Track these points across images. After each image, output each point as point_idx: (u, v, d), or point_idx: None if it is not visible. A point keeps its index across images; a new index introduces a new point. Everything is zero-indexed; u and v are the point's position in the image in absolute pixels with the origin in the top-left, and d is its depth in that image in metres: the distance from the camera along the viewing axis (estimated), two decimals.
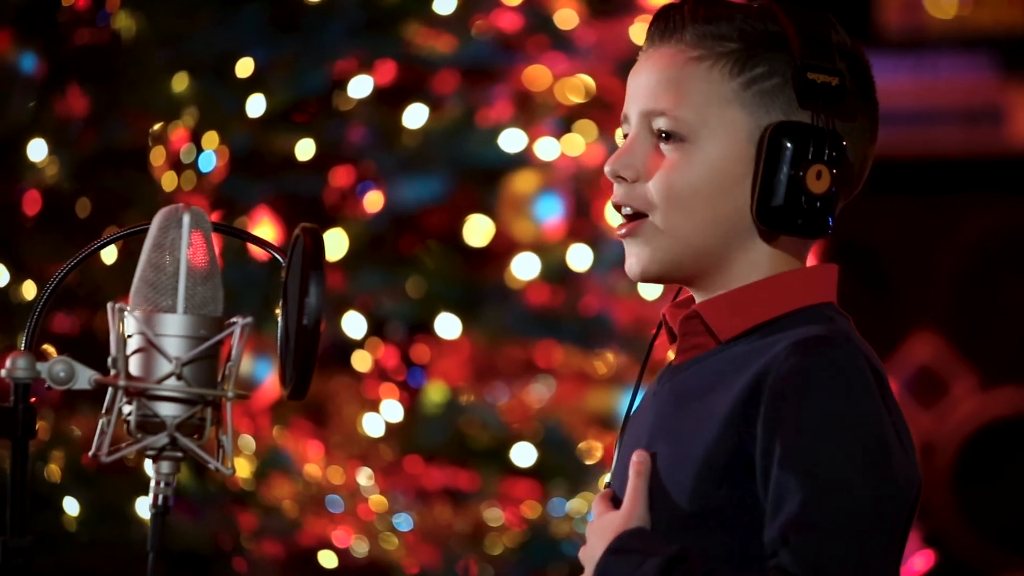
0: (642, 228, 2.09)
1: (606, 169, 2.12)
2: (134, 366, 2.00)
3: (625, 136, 2.13)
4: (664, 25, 2.11)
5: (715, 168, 2.08)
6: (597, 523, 2.07)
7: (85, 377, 2.02)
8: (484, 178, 4.64)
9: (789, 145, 2.05)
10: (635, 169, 2.10)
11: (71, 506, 4.16)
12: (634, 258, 2.11)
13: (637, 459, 2.06)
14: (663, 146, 2.09)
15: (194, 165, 4.42)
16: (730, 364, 2.05)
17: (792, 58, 2.06)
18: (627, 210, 2.11)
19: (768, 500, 1.96)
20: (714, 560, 1.99)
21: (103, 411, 2.01)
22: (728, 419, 2.00)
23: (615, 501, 2.09)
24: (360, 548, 4.38)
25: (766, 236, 2.09)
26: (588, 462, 4.60)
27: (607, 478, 2.18)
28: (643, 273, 2.10)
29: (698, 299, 2.12)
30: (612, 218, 4.33)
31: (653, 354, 2.22)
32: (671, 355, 2.17)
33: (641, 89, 2.11)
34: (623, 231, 2.11)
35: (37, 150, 4.24)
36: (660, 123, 2.09)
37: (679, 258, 2.10)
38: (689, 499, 2.02)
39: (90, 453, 2.02)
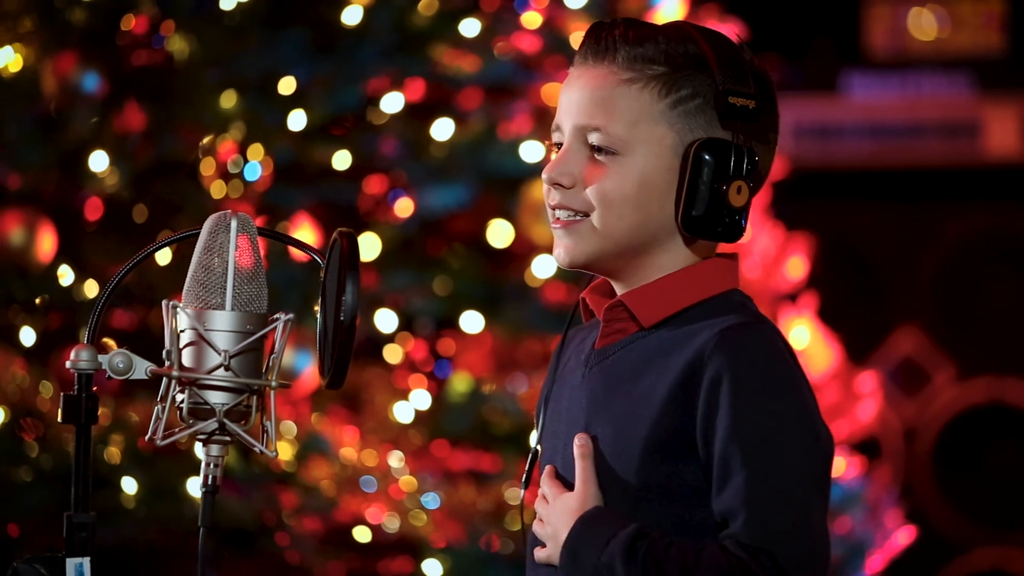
0: (578, 226, 2.11)
1: (544, 176, 2.13)
2: (186, 358, 2.01)
3: (557, 145, 2.14)
4: (597, 46, 2.12)
5: (644, 179, 2.10)
6: (556, 504, 2.08)
7: (142, 368, 2.02)
8: (505, 186, 4.64)
9: (711, 160, 2.07)
10: (572, 177, 2.12)
11: (129, 485, 4.16)
12: (562, 248, 2.13)
13: (580, 443, 2.09)
14: (598, 157, 2.11)
15: (240, 175, 4.42)
16: (657, 348, 2.08)
17: (713, 81, 2.08)
18: (566, 213, 2.13)
19: (713, 475, 2.00)
20: (662, 529, 2.01)
21: (158, 399, 2.01)
22: (666, 402, 2.03)
23: (563, 480, 2.11)
24: (392, 524, 4.37)
25: (686, 238, 2.12)
26: None
27: (532, 440, 2.20)
28: (571, 262, 2.13)
29: (617, 289, 2.15)
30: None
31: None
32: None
33: (575, 105, 2.12)
34: (560, 223, 2.13)
35: (99, 161, 4.24)
36: (594, 138, 2.11)
37: (606, 254, 2.12)
38: (635, 475, 2.04)
39: (146, 437, 2.02)
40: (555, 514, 2.08)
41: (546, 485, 2.11)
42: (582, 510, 2.05)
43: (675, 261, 2.12)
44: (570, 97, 2.13)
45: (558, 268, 4.61)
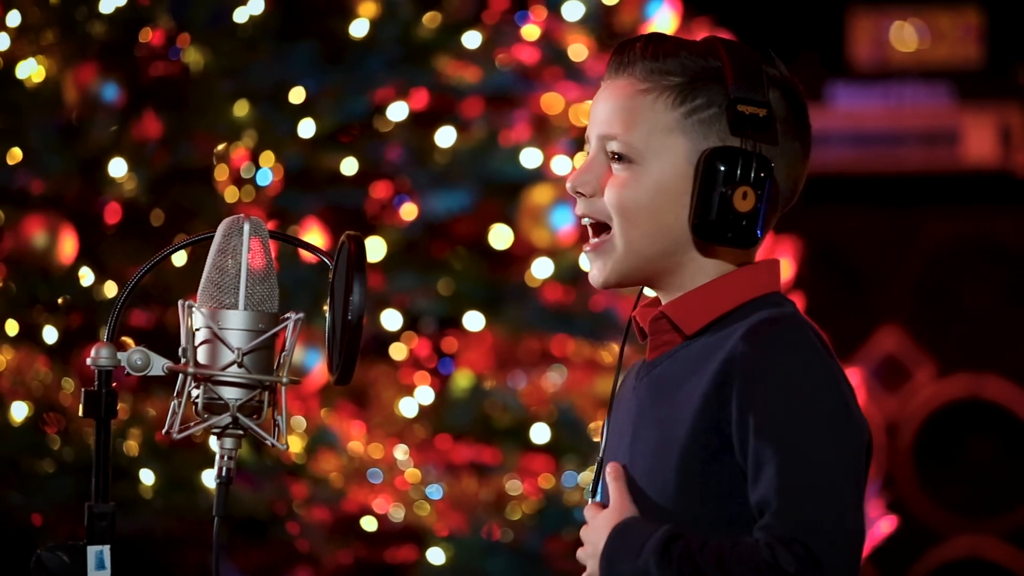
0: (604, 247, 2.11)
1: (568, 185, 2.13)
2: (201, 355, 2.01)
3: (587, 155, 2.15)
4: (620, 60, 2.11)
5: (659, 186, 2.08)
6: (592, 523, 2.07)
7: (159, 365, 2.02)
8: (506, 191, 4.64)
9: (721, 168, 2.05)
10: (592, 185, 2.12)
11: (147, 477, 4.16)
12: (596, 270, 2.13)
13: (611, 469, 2.08)
14: (615, 165, 2.10)
15: (253, 180, 4.42)
16: (698, 354, 2.06)
17: (727, 91, 2.07)
18: (588, 220, 2.12)
19: (748, 467, 1.97)
20: (703, 526, 1.99)
21: (174, 394, 2.01)
22: (704, 402, 2.01)
23: (604, 507, 2.09)
24: (397, 514, 4.37)
25: (702, 245, 2.10)
26: (596, 440, 4.59)
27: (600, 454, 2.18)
28: (605, 283, 2.13)
29: (661, 298, 2.14)
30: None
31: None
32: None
33: (599, 116, 2.12)
34: (588, 248, 2.13)
35: (118, 168, 4.24)
36: (613, 146, 2.10)
37: (633, 266, 2.11)
38: (676, 474, 2.02)
39: (163, 431, 2.02)
40: (592, 531, 2.06)
41: (587, 512, 2.10)
42: (617, 520, 2.03)
43: (706, 268, 2.10)
44: (595, 109, 2.13)
45: (556, 269, 4.62)
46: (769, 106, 2.07)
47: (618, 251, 2.10)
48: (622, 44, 2.13)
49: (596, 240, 2.12)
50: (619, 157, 2.10)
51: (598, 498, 2.15)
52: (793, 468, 1.95)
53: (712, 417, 2.00)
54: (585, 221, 2.13)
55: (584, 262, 2.16)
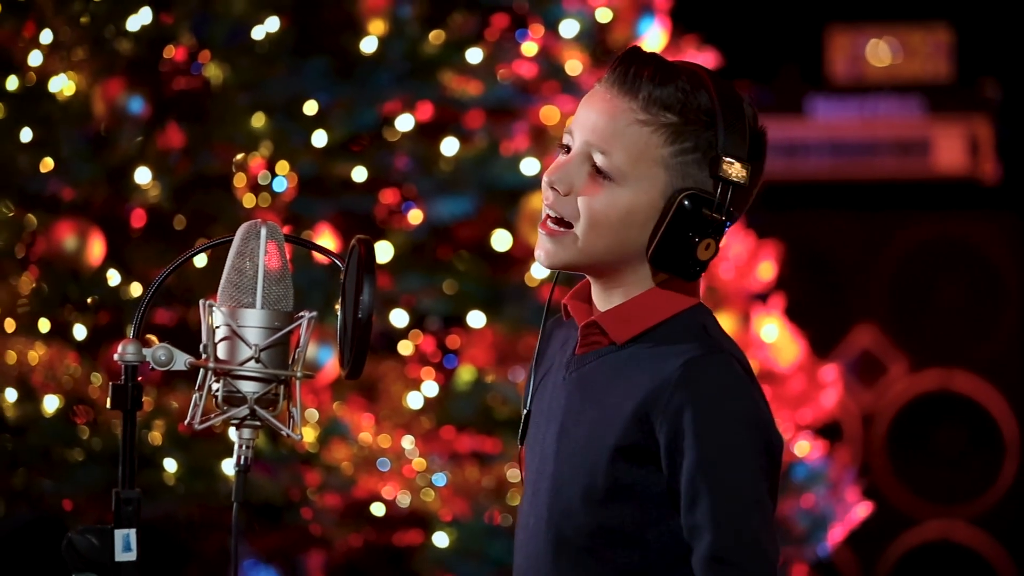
0: (562, 236, 2.10)
1: (544, 178, 2.12)
2: (221, 351, 2.01)
3: (566, 148, 2.13)
4: (624, 78, 2.09)
5: (631, 208, 2.08)
6: None
7: (181, 360, 2.02)
8: (506, 197, 4.63)
9: (691, 212, 2.06)
10: (568, 184, 2.10)
11: (170, 465, 4.15)
12: (543, 252, 2.12)
13: None
14: (595, 176, 2.09)
15: (269, 187, 4.42)
16: (627, 362, 2.08)
17: (715, 142, 2.06)
18: (555, 214, 2.11)
19: (682, 493, 2.02)
20: (626, 521, 2.04)
21: (196, 388, 2.01)
22: (631, 417, 2.04)
23: (537, 468, 2.14)
24: (404, 500, 4.37)
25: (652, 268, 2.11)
26: None
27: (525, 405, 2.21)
28: (550, 265, 2.12)
29: (594, 288, 2.14)
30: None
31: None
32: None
33: (591, 123, 2.10)
34: (546, 230, 2.12)
35: (143, 175, 4.24)
36: (599, 159, 2.09)
37: (583, 263, 2.12)
38: (603, 476, 2.05)
39: (185, 422, 2.03)
40: None
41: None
42: None
43: (644, 279, 2.11)
44: (588, 114, 2.11)
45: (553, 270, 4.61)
46: (748, 162, 2.08)
47: (576, 247, 2.10)
48: (628, 58, 2.10)
49: (558, 228, 2.11)
50: (601, 171, 2.09)
51: (533, 456, 2.16)
52: (725, 500, 2.01)
53: (638, 434, 2.03)
54: (552, 214, 2.11)
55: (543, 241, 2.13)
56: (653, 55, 2.11)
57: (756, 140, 2.11)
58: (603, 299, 2.14)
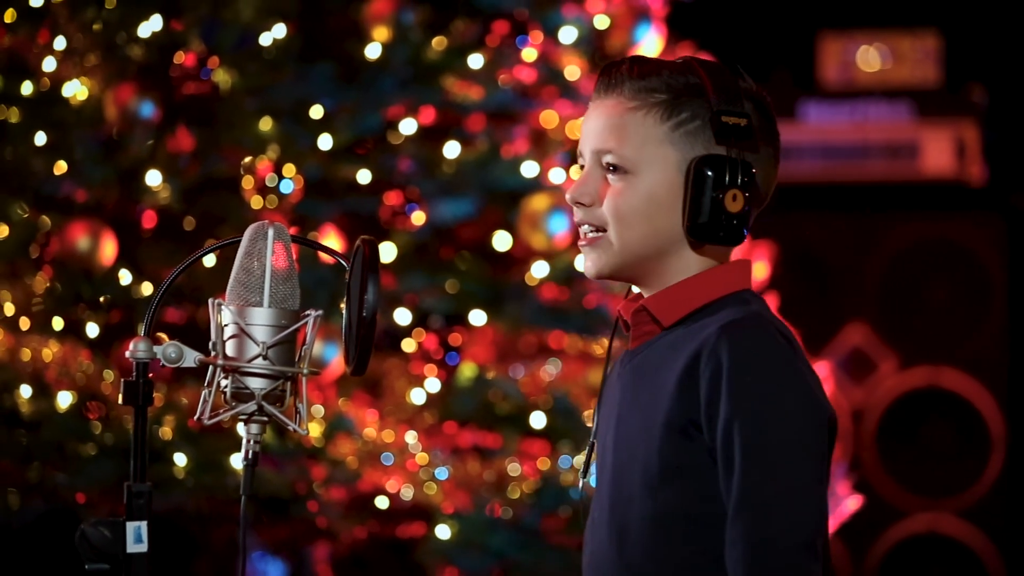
0: (599, 241, 2.11)
1: (568, 196, 2.13)
2: (230, 349, 2.01)
3: (582, 167, 2.14)
4: (608, 81, 2.12)
5: (652, 194, 2.09)
6: None
7: (191, 357, 2.02)
8: (507, 199, 4.64)
9: (710, 173, 2.06)
10: (590, 196, 2.12)
11: (180, 459, 4.16)
12: (590, 262, 2.13)
13: None
14: (610, 177, 2.10)
15: (276, 189, 4.42)
16: (673, 344, 2.07)
17: (709, 104, 2.07)
18: (588, 228, 2.13)
19: (719, 456, 1.99)
20: (681, 500, 2.02)
21: (205, 384, 2.01)
22: (677, 390, 2.02)
23: (600, 472, 2.12)
24: (407, 493, 4.37)
25: (694, 245, 2.10)
26: (589, 425, 4.57)
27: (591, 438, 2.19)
28: (598, 274, 2.12)
29: (644, 294, 2.14)
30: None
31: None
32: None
33: (592, 132, 2.12)
34: (584, 243, 2.13)
35: (154, 178, 4.24)
36: (608, 159, 2.10)
37: (625, 263, 2.11)
38: (657, 456, 2.03)
39: (195, 417, 2.02)
40: None
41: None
42: None
43: (689, 266, 2.10)
44: (588, 126, 2.13)
45: (552, 270, 4.62)
46: (748, 116, 2.08)
47: (614, 248, 2.10)
48: (608, 66, 2.13)
49: (594, 236, 2.12)
50: (615, 168, 2.10)
51: (591, 480, 2.15)
52: (759, 462, 1.97)
53: (683, 405, 2.01)
54: (584, 228, 2.13)
55: (579, 264, 2.15)
56: (631, 57, 2.13)
57: (758, 103, 2.11)
58: (652, 292, 2.13)
